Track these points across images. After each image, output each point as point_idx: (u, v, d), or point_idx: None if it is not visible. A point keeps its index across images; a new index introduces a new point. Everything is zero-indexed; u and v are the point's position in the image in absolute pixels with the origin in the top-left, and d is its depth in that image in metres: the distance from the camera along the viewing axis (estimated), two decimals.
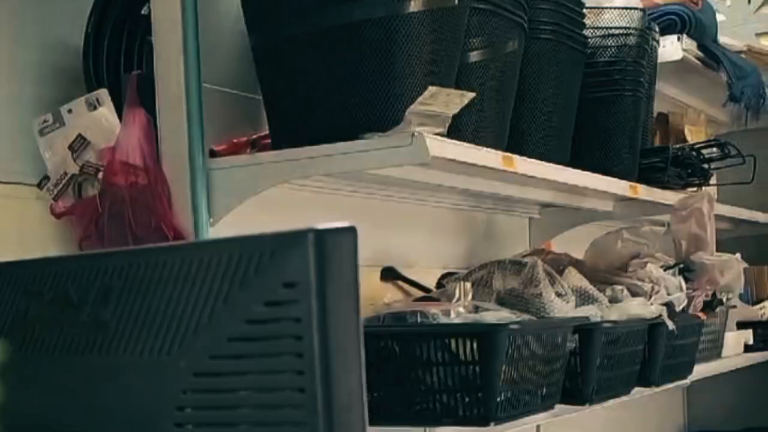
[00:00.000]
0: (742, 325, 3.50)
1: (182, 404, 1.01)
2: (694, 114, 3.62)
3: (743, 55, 3.80)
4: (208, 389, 1.01)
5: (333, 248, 0.99)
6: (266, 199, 1.92)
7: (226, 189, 1.88)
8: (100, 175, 1.87)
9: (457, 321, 1.93)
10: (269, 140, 2.01)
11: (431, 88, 1.85)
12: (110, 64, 1.98)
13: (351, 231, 1.00)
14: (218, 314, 1.03)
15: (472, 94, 1.95)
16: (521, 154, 2.22)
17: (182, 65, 1.86)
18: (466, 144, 2.00)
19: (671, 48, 3.21)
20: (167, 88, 1.88)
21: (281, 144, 1.93)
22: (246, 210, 1.89)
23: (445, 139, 1.91)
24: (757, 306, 3.70)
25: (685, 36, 3.26)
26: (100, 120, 1.90)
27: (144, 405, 1.05)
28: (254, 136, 2.07)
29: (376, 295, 2.15)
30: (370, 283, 2.23)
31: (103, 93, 1.91)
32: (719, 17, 3.78)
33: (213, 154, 1.97)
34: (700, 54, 3.40)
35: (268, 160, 1.90)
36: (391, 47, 1.91)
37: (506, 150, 2.18)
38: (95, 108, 1.91)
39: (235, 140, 2.05)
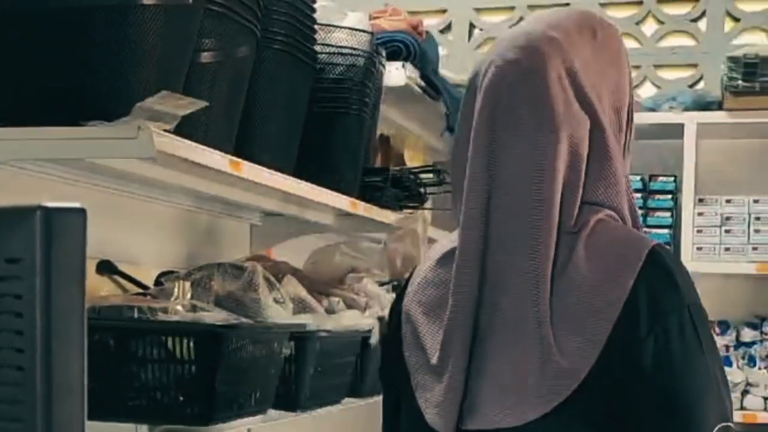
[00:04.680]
0: None
1: None
2: (414, 139, 3.74)
3: (462, 89, 3.95)
4: None
5: (61, 227, 0.97)
6: None
7: None
8: None
9: (175, 319, 1.90)
10: None
11: (163, 92, 1.84)
12: None
13: (80, 212, 0.99)
14: None
15: (203, 102, 1.94)
16: (247, 159, 2.23)
17: None
18: (194, 143, 1.98)
19: (396, 74, 3.30)
20: None
21: (1, 122, 1.84)
22: None
23: (172, 135, 1.89)
24: None
25: (409, 64, 3.36)
26: None
27: None
28: None
29: (91, 289, 2.08)
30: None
31: None
32: (441, 50, 3.93)
33: None
34: (422, 83, 3.52)
35: None
36: (122, 37, 1.88)
37: (233, 155, 2.18)
38: None
39: None
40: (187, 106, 1.88)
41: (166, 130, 1.87)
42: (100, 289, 2.12)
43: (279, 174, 2.37)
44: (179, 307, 1.95)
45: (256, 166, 2.25)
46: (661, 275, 1.43)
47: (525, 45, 1.49)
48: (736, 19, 4.68)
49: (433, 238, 3.49)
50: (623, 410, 1.40)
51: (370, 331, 2.50)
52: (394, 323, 1.66)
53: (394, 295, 2.74)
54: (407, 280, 1.67)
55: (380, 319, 2.59)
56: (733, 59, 4.19)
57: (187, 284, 2.08)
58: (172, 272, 2.24)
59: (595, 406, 1.40)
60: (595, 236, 1.43)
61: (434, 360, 1.49)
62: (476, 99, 1.52)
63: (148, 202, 2.43)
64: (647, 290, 1.40)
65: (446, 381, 1.46)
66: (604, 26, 1.56)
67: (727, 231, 4.30)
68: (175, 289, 2.03)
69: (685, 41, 4.78)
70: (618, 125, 1.53)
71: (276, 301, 2.21)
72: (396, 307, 1.67)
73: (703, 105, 4.35)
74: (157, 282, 2.20)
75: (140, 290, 2.15)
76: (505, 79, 1.49)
